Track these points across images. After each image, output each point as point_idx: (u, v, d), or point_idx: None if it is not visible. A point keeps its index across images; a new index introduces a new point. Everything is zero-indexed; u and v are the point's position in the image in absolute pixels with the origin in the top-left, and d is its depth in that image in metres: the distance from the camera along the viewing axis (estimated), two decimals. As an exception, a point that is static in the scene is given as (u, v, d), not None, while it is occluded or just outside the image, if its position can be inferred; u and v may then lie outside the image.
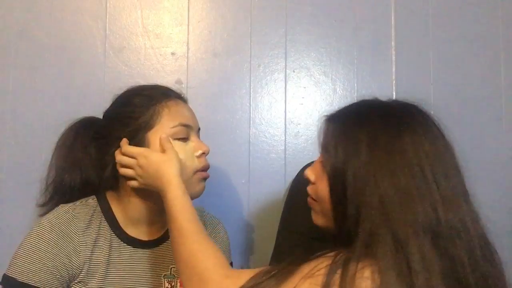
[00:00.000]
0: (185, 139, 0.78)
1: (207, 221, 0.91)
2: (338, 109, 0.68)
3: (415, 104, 0.66)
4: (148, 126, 0.76)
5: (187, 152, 0.77)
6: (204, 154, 0.79)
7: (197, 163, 0.77)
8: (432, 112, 0.66)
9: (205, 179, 0.79)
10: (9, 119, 1.05)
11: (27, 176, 1.03)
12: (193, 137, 0.79)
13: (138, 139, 0.76)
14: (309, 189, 0.70)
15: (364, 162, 0.57)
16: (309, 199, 0.71)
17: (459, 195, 0.58)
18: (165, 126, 0.76)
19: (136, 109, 0.77)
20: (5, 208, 1.03)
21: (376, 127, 0.60)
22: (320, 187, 0.65)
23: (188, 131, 0.78)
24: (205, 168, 0.79)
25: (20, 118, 1.06)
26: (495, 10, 1.18)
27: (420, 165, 0.56)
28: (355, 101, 0.70)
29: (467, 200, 0.59)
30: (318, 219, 0.68)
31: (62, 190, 0.81)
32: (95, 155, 0.80)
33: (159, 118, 0.76)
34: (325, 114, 0.67)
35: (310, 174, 0.69)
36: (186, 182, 0.73)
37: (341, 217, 0.60)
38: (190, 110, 0.82)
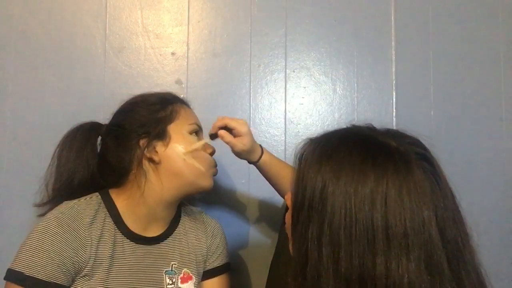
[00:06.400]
0: (197, 137, 0.86)
1: (206, 223, 0.93)
2: (319, 135, 0.62)
3: (406, 138, 0.57)
4: (169, 120, 0.82)
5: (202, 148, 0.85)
6: (213, 153, 0.87)
7: (209, 159, 0.85)
8: (427, 147, 0.57)
9: (214, 174, 0.87)
10: (9, 119, 1.05)
11: (27, 176, 1.03)
12: (202, 138, 0.88)
13: (157, 131, 0.81)
14: (286, 215, 0.65)
15: (319, 202, 0.53)
16: (286, 226, 0.66)
17: (409, 253, 0.49)
18: (184, 122, 0.84)
19: (152, 106, 0.83)
20: (5, 207, 1.03)
21: (341, 163, 0.54)
22: (288, 217, 0.61)
23: (199, 131, 0.87)
24: (216, 165, 0.87)
25: (20, 118, 1.06)
26: (495, 10, 1.18)
27: (372, 210, 0.50)
28: (343, 128, 0.63)
29: (430, 267, 0.49)
30: (290, 248, 0.62)
31: (71, 191, 0.83)
32: (112, 148, 0.83)
33: (177, 115, 0.84)
34: (309, 137, 0.62)
35: (287, 198, 0.63)
36: (203, 174, 0.82)
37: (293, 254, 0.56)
38: (195, 116, 0.89)
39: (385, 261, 0.48)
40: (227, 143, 0.85)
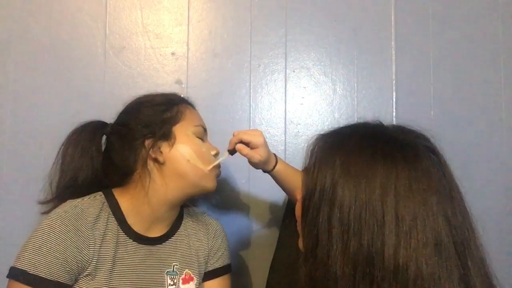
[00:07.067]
0: (202, 139, 0.86)
1: (208, 224, 0.93)
2: (330, 130, 0.64)
3: (414, 133, 0.59)
4: (174, 121, 0.83)
5: (207, 149, 0.85)
6: (217, 154, 0.87)
7: (214, 161, 0.85)
8: (433, 141, 0.59)
9: (218, 176, 0.87)
10: (9, 119, 1.05)
11: (27, 176, 1.03)
12: (206, 140, 0.88)
13: (163, 132, 0.81)
14: (296, 207, 0.66)
15: (330, 187, 0.54)
16: (296, 217, 0.67)
17: (418, 235, 0.50)
18: (189, 123, 0.84)
19: (158, 107, 0.84)
20: (5, 208, 1.03)
21: (352, 153, 0.56)
22: (298, 207, 0.62)
23: (204, 133, 0.87)
24: (219, 167, 0.87)
25: (20, 118, 1.06)
26: (495, 10, 1.18)
27: (382, 196, 0.51)
28: (353, 123, 0.65)
29: (438, 251, 0.50)
30: (299, 243, 0.63)
31: (74, 189, 0.83)
32: (117, 147, 0.83)
33: (183, 116, 0.84)
34: (319, 133, 0.63)
35: (299, 193, 0.64)
36: (207, 176, 0.82)
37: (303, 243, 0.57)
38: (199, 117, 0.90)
39: (394, 242, 0.49)
40: (245, 155, 0.85)
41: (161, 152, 0.80)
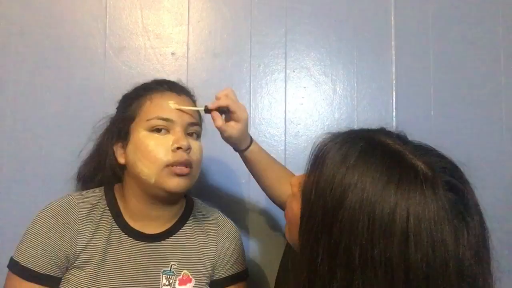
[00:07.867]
0: (161, 131, 0.77)
1: (220, 224, 0.89)
2: (343, 136, 0.56)
3: (436, 161, 0.54)
4: (131, 118, 0.80)
5: (161, 145, 0.76)
6: (180, 149, 0.76)
7: (170, 157, 0.75)
8: (459, 171, 0.56)
9: (178, 174, 0.75)
10: (9, 119, 1.05)
11: (27, 176, 1.03)
12: (174, 131, 0.78)
13: (123, 131, 0.80)
14: (285, 212, 0.63)
15: (332, 212, 0.49)
16: (285, 210, 0.64)
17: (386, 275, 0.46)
18: (142, 118, 0.78)
19: (127, 102, 0.83)
20: (5, 207, 1.03)
21: (365, 177, 0.49)
22: (293, 205, 0.58)
23: (168, 124, 0.77)
24: (179, 163, 0.75)
25: (20, 118, 1.05)
26: (495, 11, 1.18)
27: (391, 243, 0.46)
28: (372, 129, 0.58)
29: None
30: (287, 235, 0.62)
31: (88, 182, 0.88)
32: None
33: (139, 111, 0.79)
34: (327, 132, 0.58)
35: (294, 184, 0.60)
36: (157, 175, 0.74)
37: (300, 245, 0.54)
38: (180, 102, 0.80)
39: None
40: (217, 127, 0.80)
41: (123, 153, 0.81)
